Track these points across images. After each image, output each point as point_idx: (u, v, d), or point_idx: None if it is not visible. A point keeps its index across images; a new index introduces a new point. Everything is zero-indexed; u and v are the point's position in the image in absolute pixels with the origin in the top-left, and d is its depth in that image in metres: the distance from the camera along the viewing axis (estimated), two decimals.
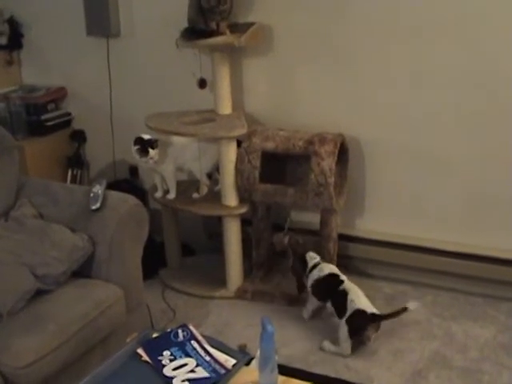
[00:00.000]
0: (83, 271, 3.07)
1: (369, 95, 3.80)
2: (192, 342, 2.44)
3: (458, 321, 3.61)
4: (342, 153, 3.73)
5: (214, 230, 4.15)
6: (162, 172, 3.91)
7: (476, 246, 3.73)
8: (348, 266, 3.98)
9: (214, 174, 4.01)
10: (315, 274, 3.52)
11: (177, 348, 2.41)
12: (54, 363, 2.66)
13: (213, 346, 2.43)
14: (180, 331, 2.49)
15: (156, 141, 3.76)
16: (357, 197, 3.99)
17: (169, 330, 2.53)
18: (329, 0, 3.71)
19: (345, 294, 3.34)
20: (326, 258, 3.69)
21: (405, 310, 3.33)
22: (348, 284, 3.41)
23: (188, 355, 2.37)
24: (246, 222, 3.89)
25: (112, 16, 4.22)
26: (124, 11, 4.24)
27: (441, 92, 3.64)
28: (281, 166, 3.88)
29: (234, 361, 2.35)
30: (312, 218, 3.97)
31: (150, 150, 3.73)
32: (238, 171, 3.71)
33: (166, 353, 2.38)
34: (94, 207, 3.13)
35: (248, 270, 4.00)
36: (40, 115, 4.45)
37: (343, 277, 3.47)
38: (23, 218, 3.18)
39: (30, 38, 4.61)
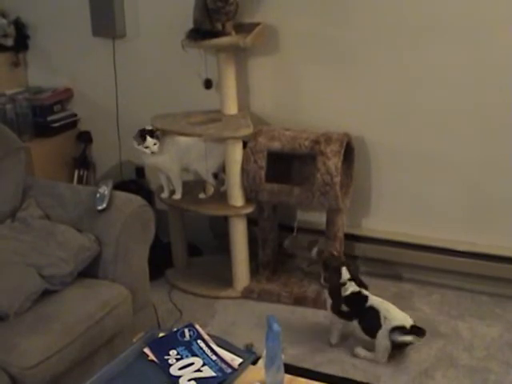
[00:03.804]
0: (90, 272, 3.07)
1: (374, 95, 3.80)
2: (198, 341, 2.45)
3: (465, 319, 3.60)
4: (348, 152, 3.73)
5: (220, 229, 4.15)
6: (168, 172, 3.92)
7: (483, 245, 3.74)
8: (354, 266, 3.98)
9: (219, 174, 4.01)
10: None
11: (183, 347, 2.42)
12: (60, 363, 2.66)
13: (219, 346, 2.43)
14: (186, 330, 2.50)
15: (157, 131, 3.75)
16: (363, 196, 3.98)
17: (175, 329, 2.54)
18: (333, 1, 3.71)
19: (374, 311, 3.23)
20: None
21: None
22: (374, 300, 3.28)
23: (194, 354, 2.38)
24: (252, 221, 3.90)
25: (118, 17, 4.23)
26: (130, 12, 4.24)
27: (445, 94, 3.63)
28: (287, 165, 3.88)
29: (240, 360, 2.36)
30: (318, 218, 3.97)
31: (148, 138, 3.71)
32: (244, 171, 3.71)
33: (173, 352, 2.39)
34: (100, 208, 3.12)
35: (254, 270, 4.00)
36: (46, 116, 4.45)
37: (366, 292, 3.32)
38: (30, 218, 3.19)
39: (36, 40, 4.61)
